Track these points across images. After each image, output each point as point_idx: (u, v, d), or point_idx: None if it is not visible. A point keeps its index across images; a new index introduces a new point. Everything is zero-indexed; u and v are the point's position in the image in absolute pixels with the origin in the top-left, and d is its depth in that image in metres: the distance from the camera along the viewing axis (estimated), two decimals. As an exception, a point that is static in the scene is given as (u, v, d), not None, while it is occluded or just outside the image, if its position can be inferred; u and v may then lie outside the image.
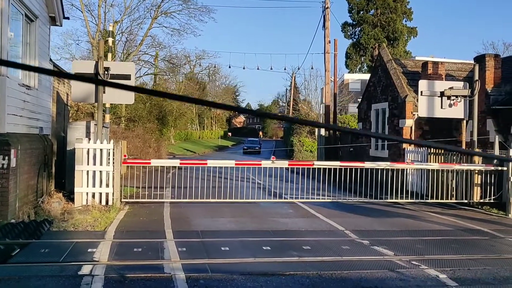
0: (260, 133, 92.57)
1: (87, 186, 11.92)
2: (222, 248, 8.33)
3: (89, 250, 7.96)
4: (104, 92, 12.48)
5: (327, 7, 29.26)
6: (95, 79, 2.56)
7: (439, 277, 6.86)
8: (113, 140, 12.62)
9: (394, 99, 20.63)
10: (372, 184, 14.68)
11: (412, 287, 6.41)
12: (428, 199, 14.63)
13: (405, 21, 61.73)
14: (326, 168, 15.91)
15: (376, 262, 7.64)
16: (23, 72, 11.30)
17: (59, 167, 14.18)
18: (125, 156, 13.10)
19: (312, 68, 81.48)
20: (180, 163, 14.37)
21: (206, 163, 14.06)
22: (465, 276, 6.99)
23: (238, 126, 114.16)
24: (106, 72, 12.41)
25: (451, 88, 15.56)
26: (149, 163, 14.04)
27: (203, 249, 8.26)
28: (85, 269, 6.86)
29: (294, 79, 68.21)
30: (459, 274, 7.04)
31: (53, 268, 6.89)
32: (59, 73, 1.90)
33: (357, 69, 64.27)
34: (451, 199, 14.53)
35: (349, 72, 62.78)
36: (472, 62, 19.43)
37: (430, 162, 15.98)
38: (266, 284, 6.38)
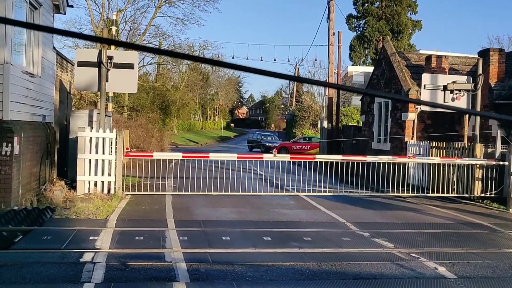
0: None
1: (89, 175, 11.96)
2: (223, 238, 8.38)
3: (91, 238, 8.01)
4: (107, 81, 12.50)
5: (332, -1, 29.08)
6: (102, 38, 2.59)
7: (438, 270, 6.90)
8: (116, 129, 12.64)
9: (397, 92, 20.59)
10: (374, 178, 14.70)
11: (411, 279, 6.45)
12: (429, 193, 14.66)
13: (410, 14, 61.48)
14: (328, 161, 15.92)
15: (376, 254, 7.68)
16: (27, 60, 11.32)
17: (62, 155, 14.22)
18: (127, 149, 13.12)
19: (315, 60, 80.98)
20: (183, 156, 14.35)
21: (208, 156, 14.07)
22: (464, 269, 7.03)
23: (241, 117, 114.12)
24: (109, 61, 12.42)
25: (454, 82, 15.52)
26: (152, 156, 14.05)
27: (204, 239, 8.32)
28: (87, 256, 6.92)
29: (298, 70, 68.07)
30: (458, 267, 7.08)
31: (55, 255, 6.95)
32: (65, 32, 1.91)
33: (361, 62, 64.09)
34: (452, 193, 14.54)
35: (352, 65, 62.61)
36: (477, 56, 19.37)
37: (431, 156, 15.98)
38: (266, 274, 6.43)
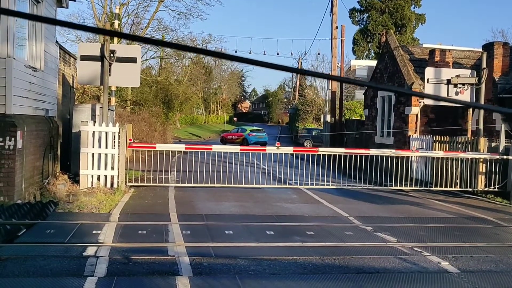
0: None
1: (92, 169, 11.97)
2: (226, 232, 8.38)
3: (94, 232, 8.02)
4: (110, 75, 12.48)
5: (335, -8, 28.94)
6: (106, 30, 2.51)
7: (441, 264, 6.89)
8: (119, 123, 12.64)
9: (400, 86, 20.53)
10: (377, 171, 14.68)
11: (414, 273, 6.44)
12: (432, 187, 14.63)
13: (413, 7, 61.20)
14: (331, 155, 15.90)
15: (378, 248, 7.67)
16: (30, 54, 11.30)
17: (65, 149, 14.24)
18: (130, 140, 13.14)
19: (318, 54, 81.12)
20: (186, 148, 14.39)
21: (211, 148, 14.10)
22: (467, 263, 7.02)
23: (244, 111, 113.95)
24: (112, 55, 12.40)
25: (458, 76, 15.45)
26: (155, 147, 14.08)
27: (207, 233, 8.32)
28: (90, 250, 6.93)
29: (301, 64, 67.88)
30: (462, 261, 7.07)
31: (58, 249, 6.96)
32: (69, 24, 1.86)
33: (364, 56, 63.90)
34: (455, 187, 14.52)
35: (356, 59, 62.42)
36: (481, 50, 19.26)
37: (435, 150, 15.94)
38: (269, 268, 6.43)
